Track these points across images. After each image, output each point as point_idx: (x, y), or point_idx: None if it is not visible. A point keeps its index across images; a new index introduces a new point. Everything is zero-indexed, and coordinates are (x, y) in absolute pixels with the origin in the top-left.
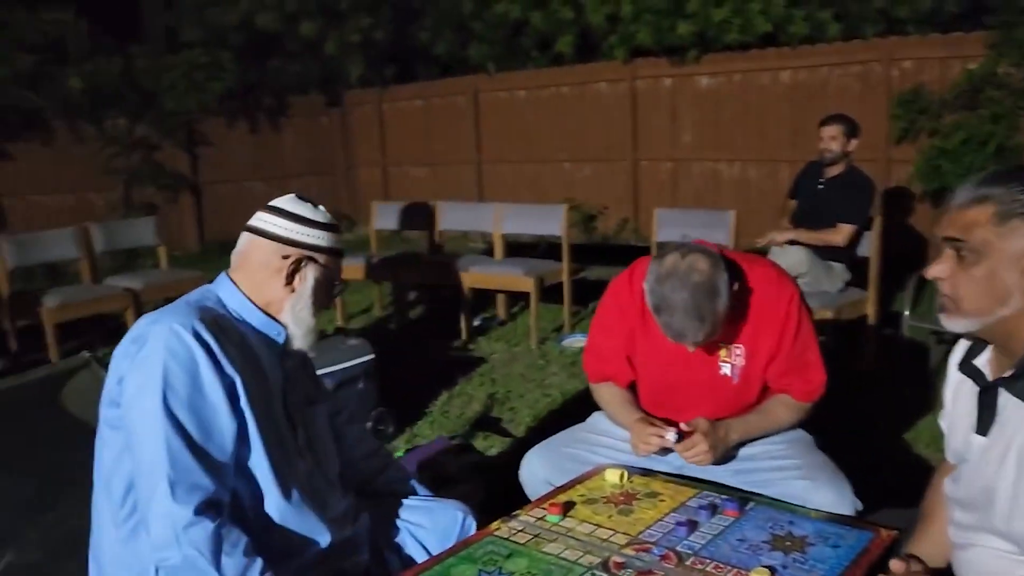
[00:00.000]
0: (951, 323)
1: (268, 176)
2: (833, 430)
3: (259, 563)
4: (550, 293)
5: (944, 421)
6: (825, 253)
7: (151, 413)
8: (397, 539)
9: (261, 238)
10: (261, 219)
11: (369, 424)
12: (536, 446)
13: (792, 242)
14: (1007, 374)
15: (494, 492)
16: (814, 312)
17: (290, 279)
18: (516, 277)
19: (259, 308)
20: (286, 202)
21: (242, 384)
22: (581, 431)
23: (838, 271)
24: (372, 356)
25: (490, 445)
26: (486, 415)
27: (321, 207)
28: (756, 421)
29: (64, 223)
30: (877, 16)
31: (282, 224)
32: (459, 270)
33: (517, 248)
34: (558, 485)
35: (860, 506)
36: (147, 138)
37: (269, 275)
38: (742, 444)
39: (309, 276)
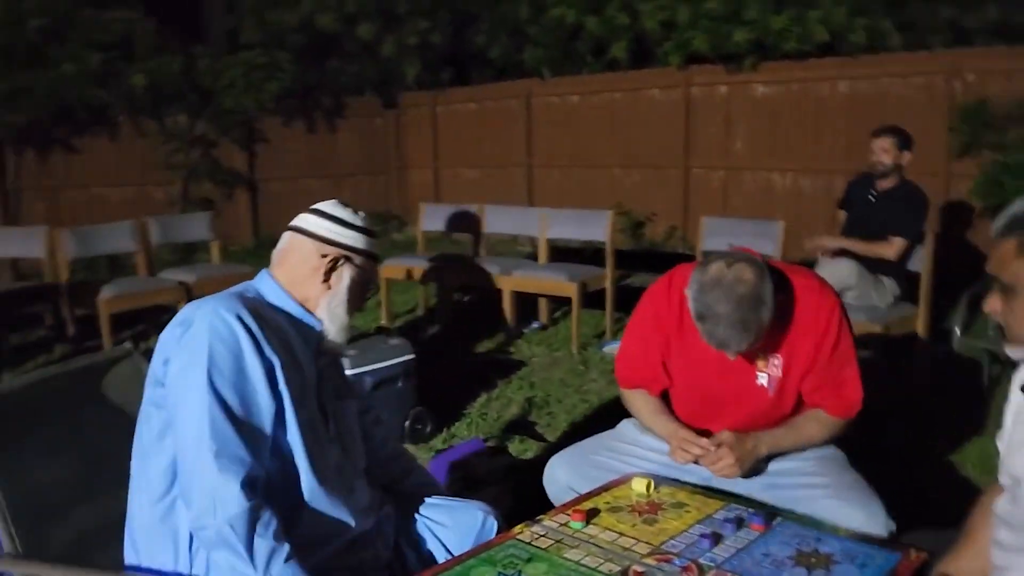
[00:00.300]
0: (1010, 351)
1: (322, 175)
2: (878, 447)
3: (287, 548)
4: (594, 299)
5: (1002, 442)
6: (875, 266)
7: (196, 388)
8: (417, 536)
9: (303, 237)
10: (303, 220)
11: (407, 423)
12: (561, 451)
13: (841, 253)
14: None
15: (525, 496)
16: (862, 326)
17: (327, 277)
18: (559, 282)
19: (297, 302)
20: (328, 206)
21: (280, 368)
22: (609, 439)
23: (888, 285)
24: (412, 356)
25: (525, 449)
26: (522, 419)
27: (361, 213)
28: (786, 435)
29: (125, 216)
30: (943, 26)
31: (323, 225)
32: (503, 273)
33: (565, 253)
34: (581, 492)
35: (893, 527)
36: (206, 135)
37: (308, 272)
38: (771, 458)
39: (345, 275)
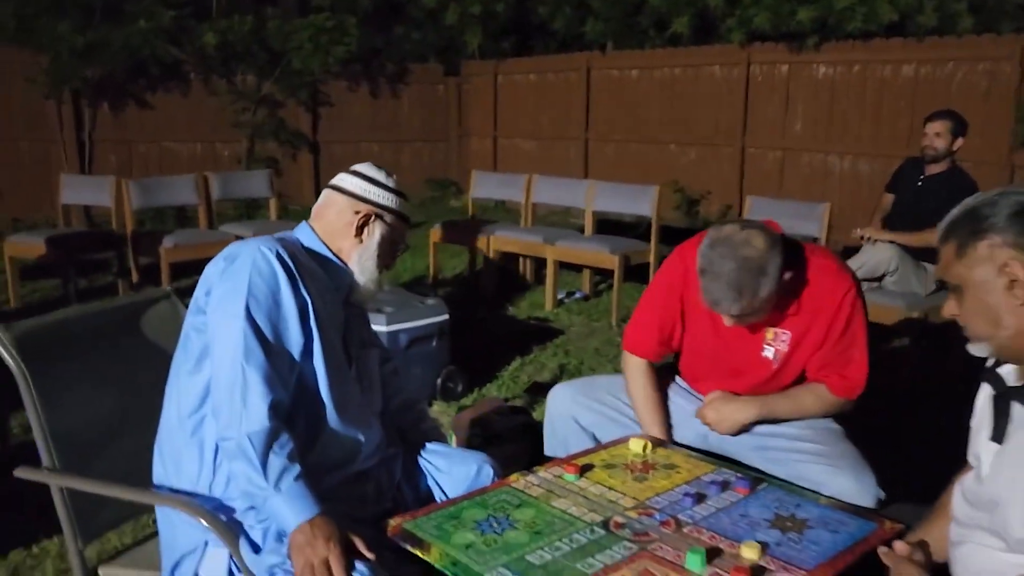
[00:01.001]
0: (973, 349)
1: (383, 139)
2: (909, 428)
3: (298, 469)
4: (639, 273)
5: (973, 422)
6: (917, 253)
7: (235, 316)
8: (418, 478)
9: (339, 194)
10: (341, 179)
11: (439, 381)
12: (571, 380)
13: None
14: (1019, 383)
15: (541, 454)
16: (899, 312)
17: (360, 231)
18: (601, 254)
19: (333, 253)
20: (364, 167)
21: (312, 307)
22: (619, 382)
23: (930, 272)
24: (446, 316)
25: None
26: (550, 383)
27: (394, 176)
28: (779, 402)
29: (193, 171)
30: (1014, 10)
31: (358, 184)
32: (547, 243)
33: (618, 227)
34: (580, 422)
35: (882, 495)
36: (273, 95)
37: (342, 226)
38: (766, 422)
39: (376, 231)
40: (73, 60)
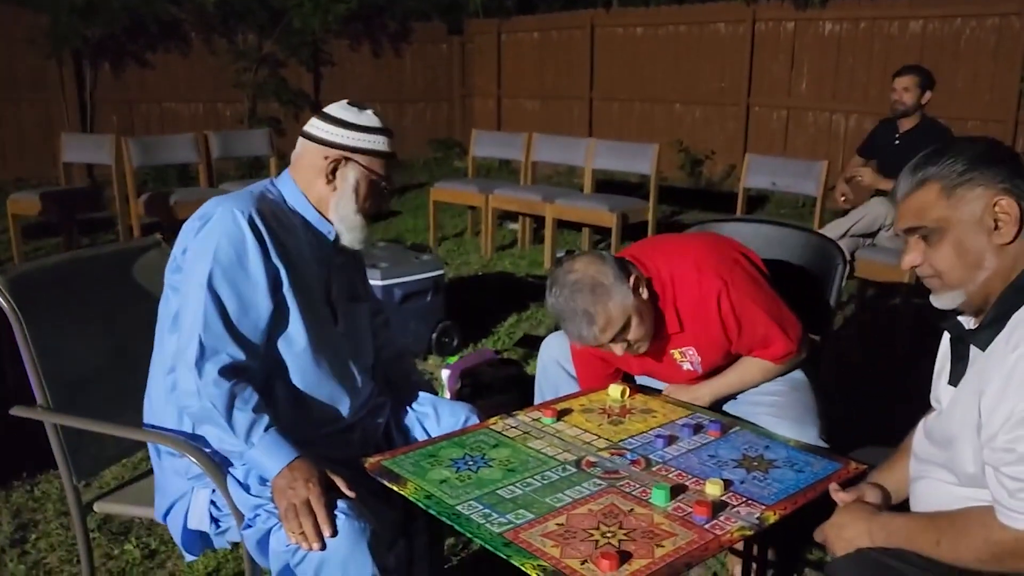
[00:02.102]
0: (941, 300)
1: (386, 99)
2: (904, 384)
3: (266, 419)
4: (639, 231)
5: (936, 367)
6: None
7: (197, 284)
8: (406, 425)
9: (308, 140)
10: (310, 123)
11: (434, 335)
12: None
13: (876, 193)
14: (974, 326)
15: (529, 404)
16: (894, 272)
17: (331, 178)
18: (599, 211)
19: (312, 205)
20: (333, 107)
21: (286, 273)
22: None
23: None
24: (441, 271)
25: None
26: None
27: (370, 111)
28: (729, 382)
29: (195, 131)
30: None
31: (324, 127)
32: (545, 201)
33: (622, 187)
34: (566, 369)
35: (824, 446)
36: (274, 55)
37: (315, 174)
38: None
39: (349, 176)
40: (73, 19)
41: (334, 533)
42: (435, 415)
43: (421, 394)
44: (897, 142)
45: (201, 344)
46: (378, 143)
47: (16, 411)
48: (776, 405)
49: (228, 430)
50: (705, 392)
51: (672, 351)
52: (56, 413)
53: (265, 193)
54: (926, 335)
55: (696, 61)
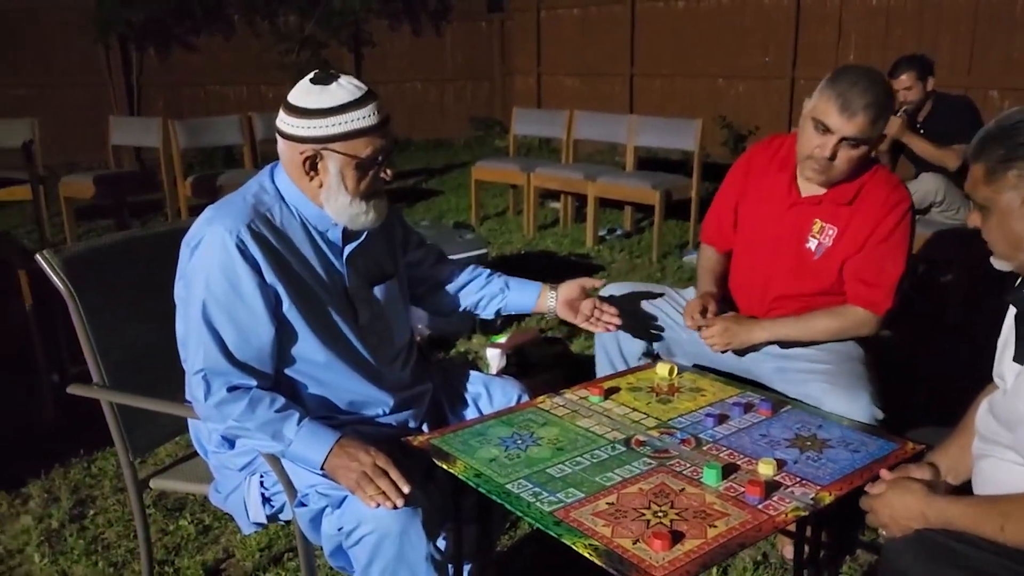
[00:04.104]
0: (997, 263)
1: (426, 78)
2: (954, 360)
3: (295, 414)
4: (682, 209)
5: (999, 341)
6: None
7: (194, 318)
8: (459, 402)
9: (280, 138)
10: (279, 116)
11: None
12: (624, 283)
13: (922, 169)
14: None
15: (575, 383)
16: (948, 250)
17: (312, 174)
18: (642, 189)
19: (310, 200)
20: (296, 92)
21: (285, 292)
22: (670, 294)
23: None
24: (484, 250)
25: (589, 346)
26: None
27: (336, 83)
28: (790, 325)
29: (239, 113)
30: None
31: (290, 121)
32: (587, 179)
33: (666, 165)
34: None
35: (880, 415)
36: (315, 36)
37: (298, 173)
38: (786, 346)
39: (330, 167)
40: (118, 4)
41: (411, 490)
42: (487, 394)
43: (472, 373)
44: (921, 131)
45: (206, 380)
46: (353, 121)
47: (73, 389)
48: (828, 374)
49: (261, 438)
50: (762, 332)
51: (818, 220)
52: (112, 391)
53: (261, 196)
54: (978, 311)
55: (739, 34)
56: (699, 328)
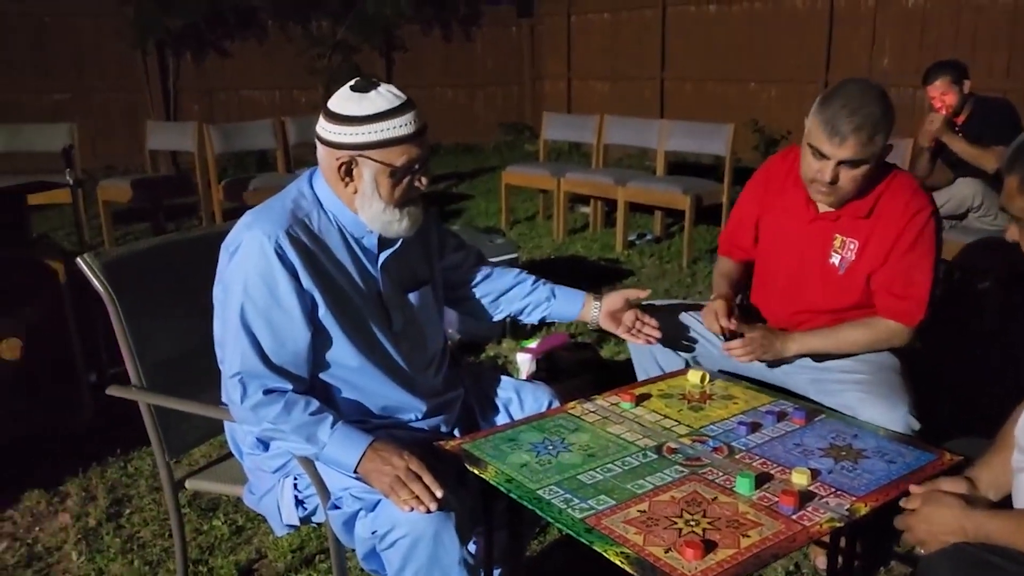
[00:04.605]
0: None
1: (457, 83)
2: (989, 370)
3: (328, 418)
4: (712, 214)
5: None
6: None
7: (232, 321)
8: (490, 407)
9: (319, 143)
10: (319, 122)
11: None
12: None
13: (960, 174)
14: None
15: (604, 388)
16: (983, 257)
17: (347, 180)
18: (673, 194)
19: (347, 206)
20: (336, 99)
21: (322, 298)
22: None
23: None
24: (515, 255)
25: (619, 351)
26: None
27: (375, 91)
28: (820, 337)
29: (272, 118)
30: None
31: (328, 127)
32: (618, 184)
33: (696, 169)
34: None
35: (916, 425)
36: (347, 41)
37: (335, 179)
38: (821, 358)
39: (365, 174)
40: (156, 11)
41: (444, 494)
42: (518, 399)
43: (503, 379)
44: (960, 135)
45: (242, 383)
46: (389, 130)
47: (112, 391)
48: (864, 383)
49: (296, 441)
50: (793, 345)
51: (838, 235)
52: (150, 393)
53: (299, 201)
54: (1014, 320)
55: (772, 38)
56: (722, 331)
